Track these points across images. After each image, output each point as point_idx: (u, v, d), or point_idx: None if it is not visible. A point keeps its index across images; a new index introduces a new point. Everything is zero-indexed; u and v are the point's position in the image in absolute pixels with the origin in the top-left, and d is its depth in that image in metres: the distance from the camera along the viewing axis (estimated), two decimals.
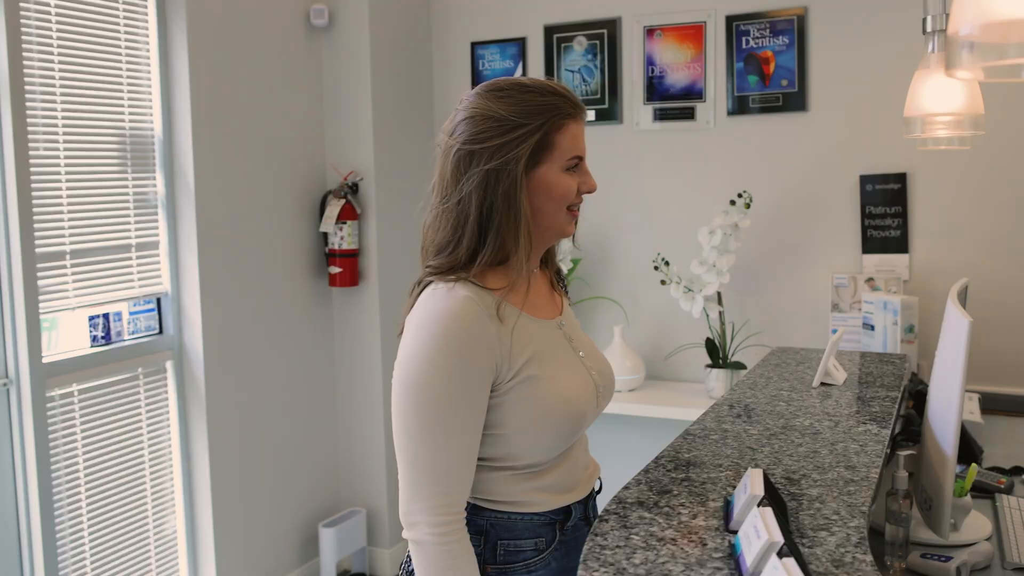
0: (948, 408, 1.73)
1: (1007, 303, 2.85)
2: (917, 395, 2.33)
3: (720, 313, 3.06)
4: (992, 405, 2.76)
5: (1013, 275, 2.85)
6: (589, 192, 1.52)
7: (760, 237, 3.14)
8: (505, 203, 1.43)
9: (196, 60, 2.94)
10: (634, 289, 3.34)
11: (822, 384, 1.99)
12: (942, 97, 1.75)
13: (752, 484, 1.25)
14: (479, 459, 1.49)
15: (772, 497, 1.28)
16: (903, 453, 1.81)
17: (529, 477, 1.51)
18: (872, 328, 2.84)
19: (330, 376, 3.52)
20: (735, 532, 1.21)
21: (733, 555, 1.15)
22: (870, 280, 2.97)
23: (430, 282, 1.47)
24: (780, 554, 1.04)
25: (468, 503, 1.53)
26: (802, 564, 1.02)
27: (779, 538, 1.07)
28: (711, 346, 3.06)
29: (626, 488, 1.38)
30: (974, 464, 1.99)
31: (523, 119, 1.42)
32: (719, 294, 3.05)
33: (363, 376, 3.48)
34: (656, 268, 3.09)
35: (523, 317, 1.47)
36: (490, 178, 1.42)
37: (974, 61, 0.84)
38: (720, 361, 3.05)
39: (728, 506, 1.29)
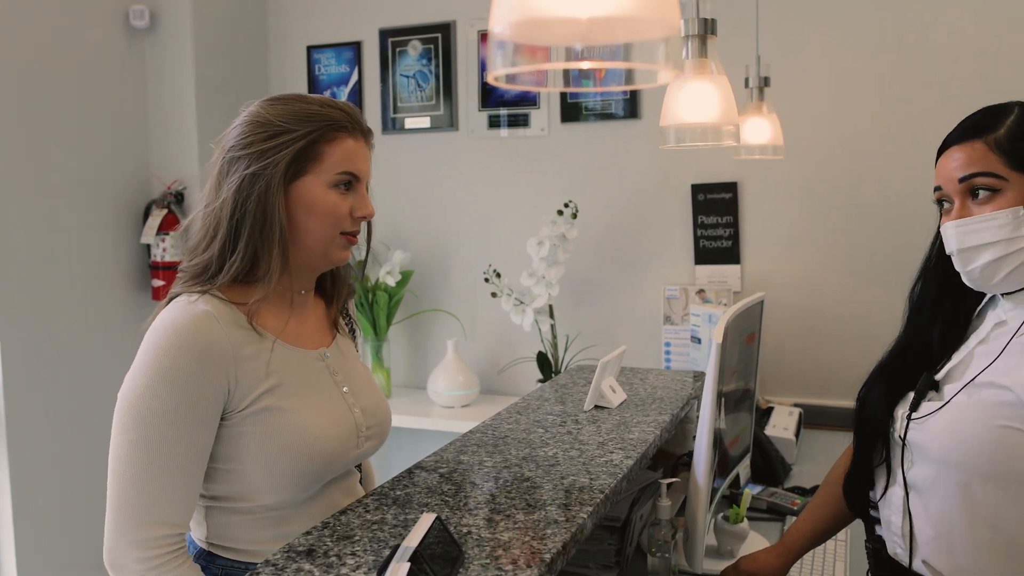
0: (700, 432, 1.66)
1: (840, 315, 2.81)
2: None
3: (552, 326, 2.97)
4: (819, 419, 2.73)
5: (845, 286, 2.81)
6: (364, 218, 1.41)
7: (594, 247, 3.06)
8: (259, 209, 1.32)
9: None
10: (472, 301, 3.24)
11: (596, 407, 1.90)
12: (696, 106, 1.67)
13: (413, 533, 1.14)
14: (215, 498, 1.36)
15: (442, 546, 1.18)
16: (665, 481, 1.74)
17: (271, 523, 1.38)
18: (699, 341, 2.78)
19: None
20: None
21: None
22: (701, 292, 2.91)
23: (179, 294, 1.35)
24: None
25: (202, 549, 1.41)
26: None
27: None
28: (543, 360, 2.97)
29: (308, 534, 1.27)
30: (748, 489, 1.93)
31: (290, 125, 1.33)
32: (551, 307, 2.96)
33: None
34: (487, 280, 2.99)
35: (271, 341, 1.35)
36: (247, 183, 1.32)
37: (505, 64, 0.74)
38: (552, 375, 2.96)
39: (392, 555, 1.18)
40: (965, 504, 1.24)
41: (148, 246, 3.20)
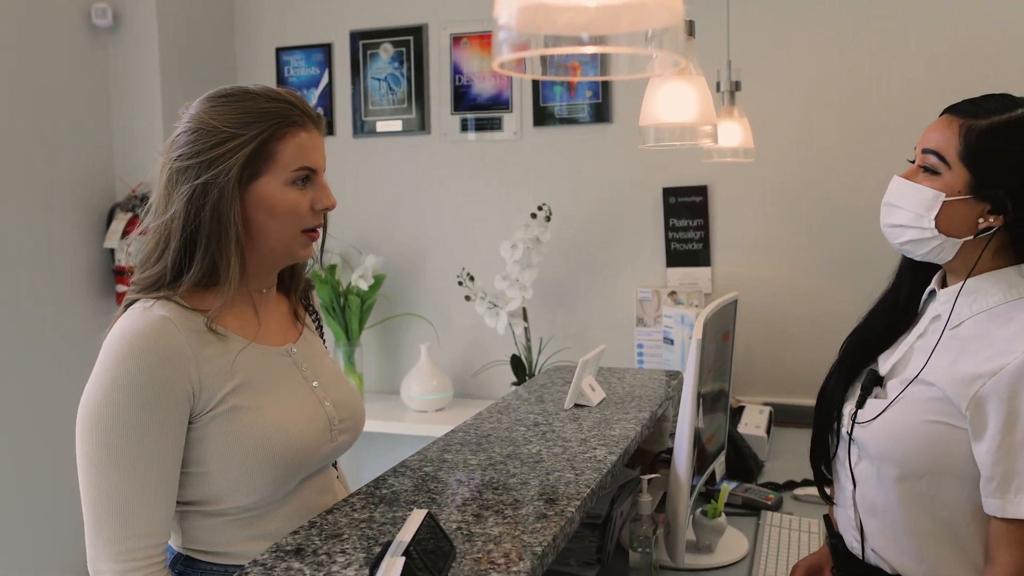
0: (681, 428, 1.67)
1: (808, 316, 2.85)
2: None
3: (525, 329, 2.97)
4: (788, 418, 2.76)
5: (814, 288, 2.86)
6: (326, 210, 1.38)
7: (567, 250, 3.07)
8: (214, 218, 1.28)
9: None
10: (445, 305, 3.23)
11: (576, 406, 1.91)
12: (674, 106, 1.68)
13: (405, 528, 1.13)
14: (188, 503, 1.33)
15: (434, 541, 1.17)
16: (647, 477, 1.75)
17: (246, 523, 1.35)
18: (672, 342, 2.80)
19: None
20: None
21: None
22: (673, 294, 2.94)
23: (134, 300, 1.32)
24: None
25: (180, 554, 1.38)
26: None
27: None
28: (516, 363, 2.97)
29: (295, 533, 1.25)
30: (725, 484, 1.95)
31: (238, 129, 1.28)
32: (524, 309, 2.96)
33: None
34: (460, 283, 2.99)
35: (232, 340, 1.33)
36: (199, 193, 1.28)
37: (508, 51, 0.74)
38: (526, 378, 2.96)
39: (384, 551, 1.17)
40: (903, 497, 1.28)
41: (112, 250, 3.14)
